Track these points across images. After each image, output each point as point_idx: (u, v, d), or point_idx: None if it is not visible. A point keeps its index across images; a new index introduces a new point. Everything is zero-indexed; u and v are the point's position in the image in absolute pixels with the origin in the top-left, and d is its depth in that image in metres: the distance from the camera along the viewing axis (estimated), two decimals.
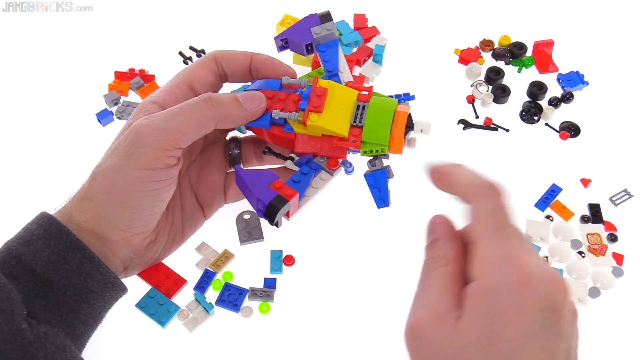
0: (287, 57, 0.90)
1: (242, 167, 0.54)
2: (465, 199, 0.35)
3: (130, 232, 0.45)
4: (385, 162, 0.49)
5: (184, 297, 0.69)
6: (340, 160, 0.49)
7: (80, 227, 0.44)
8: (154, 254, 0.50)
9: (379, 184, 0.48)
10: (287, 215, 0.45)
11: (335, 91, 0.47)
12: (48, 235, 0.43)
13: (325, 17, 0.52)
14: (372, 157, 0.48)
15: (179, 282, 0.69)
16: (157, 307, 0.67)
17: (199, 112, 0.45)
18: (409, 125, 0.46)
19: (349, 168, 0.50)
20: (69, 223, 0.44)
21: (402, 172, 0.55)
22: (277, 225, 0.44)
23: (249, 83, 0.51)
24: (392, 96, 0.50)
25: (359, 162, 0.50)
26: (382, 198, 0.48)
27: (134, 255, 0.47)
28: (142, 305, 0.67)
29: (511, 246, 0.32)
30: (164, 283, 0.69)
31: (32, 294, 0.42)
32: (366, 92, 0.48)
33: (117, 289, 0.46)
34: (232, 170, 0.54)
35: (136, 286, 0.67)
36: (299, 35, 0.52)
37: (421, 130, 0.46)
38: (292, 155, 0.49)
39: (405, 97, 0.51)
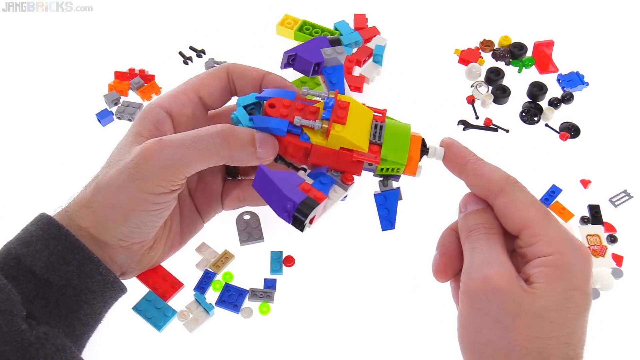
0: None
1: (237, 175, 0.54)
2: (492, 190, 0.40)
3: (129, 242, 0.46)
4: (396, 184, 0.49)
5: (184, 297, 0.69)
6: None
7: (80, 232, 0.44)
8: (151, 259, 0.50)
9: (388, 205, 0.48)
10: (311, 221, 0.43)
11: (355, 109, 0.47)
12: (47, 236, 0.43)
13: (336, 42, 0.52)
14: (383, 178, 0.48)
15: (176, 285, 0.69)
16: (154, 310, 0.67)
17: (213, 150, 0.43)
18: (424, 150, 0.47)
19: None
20: (69, 226, 0.44)
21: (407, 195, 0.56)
22: (302, 229, 0.43)
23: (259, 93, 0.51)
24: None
25: (363, 182, 0.50)
26: (389, 219, 0.48)
27: (131, 260, 0.47)
28: (139, 308, 0.67)
29: (565, 229, 0.38)
30: (161, 285, 0.69)
31: (32, 294, 0.42)
32: (380, 114, 0.48)
33: (117, 289, 0.46)
34: (230, 179, 0.54)
35: (133, 289, 0.67)
36: (309, 54, 0.51)
37: (434, 156, 0.46)
38: (305, 166, 0.49)
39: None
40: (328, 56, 0.51)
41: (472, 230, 0.40)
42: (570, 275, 0.36)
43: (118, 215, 0.44)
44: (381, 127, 0.47)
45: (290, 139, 0.47)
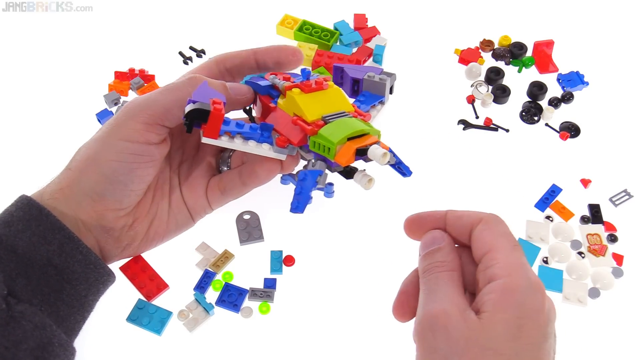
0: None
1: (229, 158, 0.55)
2: (474, 221, 0.39)
3: (103, 204, 0.46)
4: (329, 174, 0.48)
5: (184, 297, 0.69)
6: (318, 184, 0.48)
7: (54, 197, 0.46)
8: (131, 241, 0.49)
9: (303, 184, 0.47)
10: (204, 132, 0.45)
11: (334, 94, 0.48)
12: (28, 217, 0.44)
13: (386, 73, 0.55)
14: (316, 159, 0.47)
15: (161, 286, 0.69)
16: (149, 316, 0.67)
17: (184, 90, 0.46)
18: (365, 149, 0.44)
19: (329, 191, 0.51)
20: (43, 194, 0.46)
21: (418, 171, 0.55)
22: (189, 129, 0.44)
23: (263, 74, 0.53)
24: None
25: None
26: (298, 201, 0.47)
27: (108, 235, 0.47)
28: (132, 318, 0.67)
29: (526, 262, 0.37)
30: (146, 285, 0.69)
31: (14, 273, 0.42)
32: (361, 117, 0.48)
33: (101, 271, 0.46)
34: (217, 174, 0.54)
35: (123, 302, 0.67)
36: (353, 70, 0.55)
37: (374, 157, 0.44)
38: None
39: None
40: (369, 78, 0.53)
41: (424, 272, 0.39)
42: (519, 301, 0.34)
43: (92, 168, 0.46)
44: (342, 115, 0.47)
45: (263, 98, 0.50)
